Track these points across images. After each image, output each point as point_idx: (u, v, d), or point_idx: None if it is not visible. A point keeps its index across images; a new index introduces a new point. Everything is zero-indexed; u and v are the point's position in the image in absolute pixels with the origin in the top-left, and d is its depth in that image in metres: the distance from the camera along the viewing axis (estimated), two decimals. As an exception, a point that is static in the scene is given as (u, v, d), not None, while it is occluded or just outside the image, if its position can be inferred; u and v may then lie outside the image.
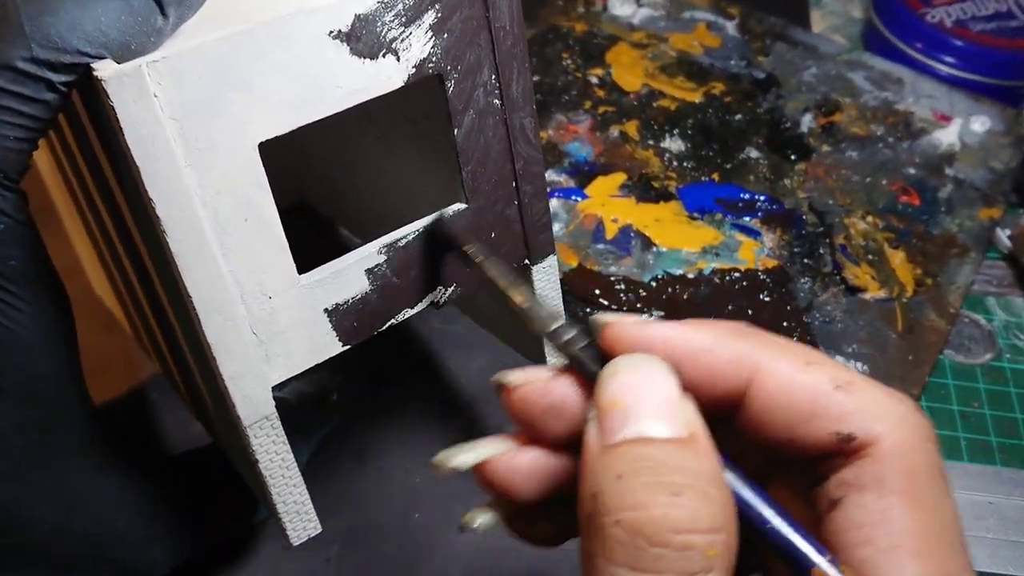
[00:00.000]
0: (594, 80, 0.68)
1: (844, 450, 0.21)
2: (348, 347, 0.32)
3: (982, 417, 0.50)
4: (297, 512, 0.32)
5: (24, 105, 0.25)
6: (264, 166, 0.27)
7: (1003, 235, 0.59)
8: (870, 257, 0.57)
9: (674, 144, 0.63)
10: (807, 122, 0.66)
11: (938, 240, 0.58)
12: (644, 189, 0.60)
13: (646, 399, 0.20)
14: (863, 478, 0.21)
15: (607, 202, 0.59)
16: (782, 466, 0.23)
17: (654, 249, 0.56)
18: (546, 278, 0.37)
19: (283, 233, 0.29)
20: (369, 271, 0.31)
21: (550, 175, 0.61)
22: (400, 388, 0.50)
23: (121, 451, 0.33)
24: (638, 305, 0.53)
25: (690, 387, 0.21)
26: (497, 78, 0.31)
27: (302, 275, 0.30)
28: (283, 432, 0.31)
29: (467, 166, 0.32)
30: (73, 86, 0.25)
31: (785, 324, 0.53)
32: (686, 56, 0.70)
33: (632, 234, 0.57)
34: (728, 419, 0.22)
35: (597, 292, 0.54)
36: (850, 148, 0.64)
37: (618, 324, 0.22)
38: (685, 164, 0.62)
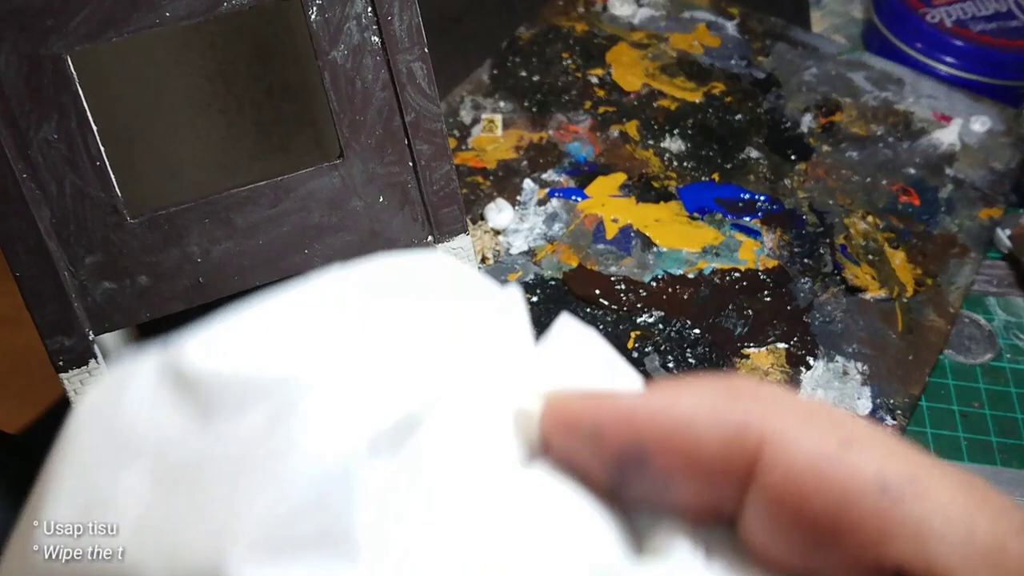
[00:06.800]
0: (594, 80, 0.68)
1: None
2: None
3: (982, 417, 0.50)
4: None
5: None
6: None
7: (1003, 235, 0.59)
8: (870, 257, 0.57)
9: (674, 144, 0.63)
10: (807, 122, 0.66)
11: (938, 240, 0.58)
12: (644, 189, 0.60)
13: None
14: None
15: (607, 202, 0.59)
16: None
17: (654, 249, 0.56)
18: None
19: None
20: None
21: (550, 175, 0.61)
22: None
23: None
24: (638, 305, 0.53)
25: (668, 479, 0.15)
26: (373, 10, 0.27)
27: None
28: None
29: (339, 113, 0.28)
30: None
31: (785, 324, 0.53)
32: (686, 56, 0.70)
33: (632, 234, 0.57)
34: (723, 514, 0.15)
35: (597, 292, 0.54)
36: (850, 148, 0.64)
37: (557, 401, 0.15)
38: (685, 164, 0.62)
